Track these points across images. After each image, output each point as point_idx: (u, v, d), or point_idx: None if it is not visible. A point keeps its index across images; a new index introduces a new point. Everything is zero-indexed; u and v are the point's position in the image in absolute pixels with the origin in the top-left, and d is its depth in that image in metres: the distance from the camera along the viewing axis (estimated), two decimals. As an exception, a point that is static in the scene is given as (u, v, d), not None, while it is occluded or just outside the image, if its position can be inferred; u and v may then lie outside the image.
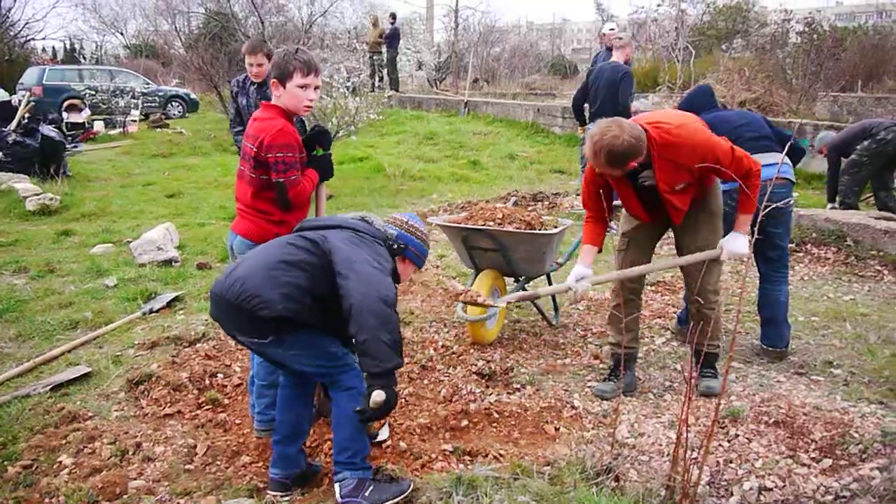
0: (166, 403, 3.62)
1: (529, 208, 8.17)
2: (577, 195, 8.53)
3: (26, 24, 34.16)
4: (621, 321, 3.84)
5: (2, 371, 4.10)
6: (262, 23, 14.71)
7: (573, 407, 3.65)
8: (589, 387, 3.88)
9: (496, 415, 3.57)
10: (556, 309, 4.88)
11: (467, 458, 3.20)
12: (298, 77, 3.01)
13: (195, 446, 3.22)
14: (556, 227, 4.44)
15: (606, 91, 7.14)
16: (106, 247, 6.66)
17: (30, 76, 19.41)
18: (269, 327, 2.62)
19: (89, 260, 6.21)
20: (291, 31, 15.91)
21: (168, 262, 6.06)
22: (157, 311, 4.99)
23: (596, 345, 4.52)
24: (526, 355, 4.30)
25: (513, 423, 3.53)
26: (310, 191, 3.17)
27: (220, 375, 3.98)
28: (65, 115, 16.23)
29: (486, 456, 3.20)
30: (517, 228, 4.18)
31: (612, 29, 9.11)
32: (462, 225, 4.25)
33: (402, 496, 2.69)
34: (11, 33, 32.96)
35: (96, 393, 3.77)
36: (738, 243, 3.53)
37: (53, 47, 46.30)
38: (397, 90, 17.85)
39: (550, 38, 55.81)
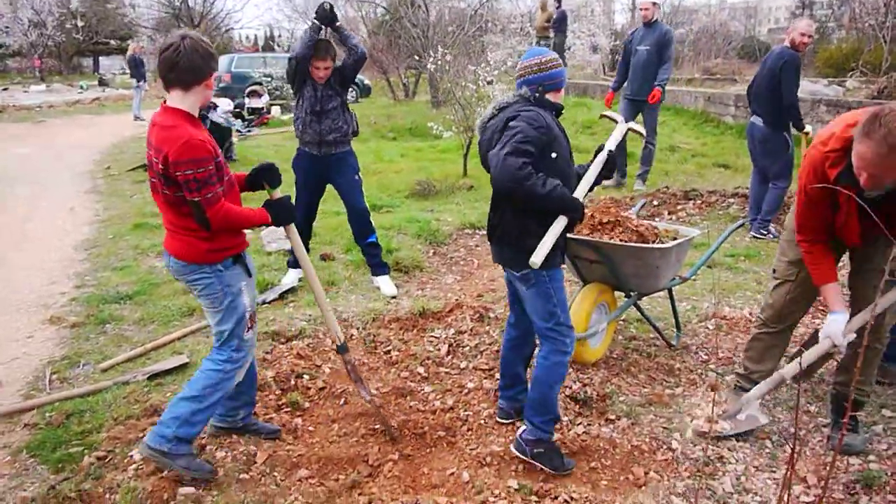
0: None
1: (679, 207, 7.53)
2: (735, 195, 7.73)
3: (227, 14, 37.19)
4: (762, 349, 3.34)
5: (118, 353, 4.31)
6: (427, 9, 14.77)
7: (670, 449, 3.20)
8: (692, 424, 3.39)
9: (580, 448, 3.20)
10: (677, 326, 4.36)
11: (534, 498, 2.88)
12: (210, 75, 2.76)
13: (255, 454, 3.15)
14: (675, 238, 3.94)
15: (766, 81, 6.28)
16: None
17: (221, 64, 20.96)
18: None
19: (225, 245, 6.45)
20: (457, 16, 15.89)
21: (294, 251, 6.15)
22: (270, 302, 5.05)
23: (718, 373, 3.98)
24: (631, 380, 3.86)
25: (597, 460, 3.15)
26: (241, 218, 2.83)
27: (307, 377, 3.91)
28: (247, 100, 17.31)
29: (556, 499, 2.87)
30: (625, 240, 3.74)
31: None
32: (561, 234, 3.86)
33: (559, 471, 3.03)
34: (214, 24, 36.01)
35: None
36: None
37: (255, 35, 50.02)
38: (563, 75, 17.30)
39: (745, 17, 52.06)
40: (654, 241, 3.81)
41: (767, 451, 3.20)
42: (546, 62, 3.03)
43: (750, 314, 4.77)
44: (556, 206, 2.89)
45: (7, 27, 38.87)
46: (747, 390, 3.33)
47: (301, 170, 5.27)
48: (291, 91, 5.16)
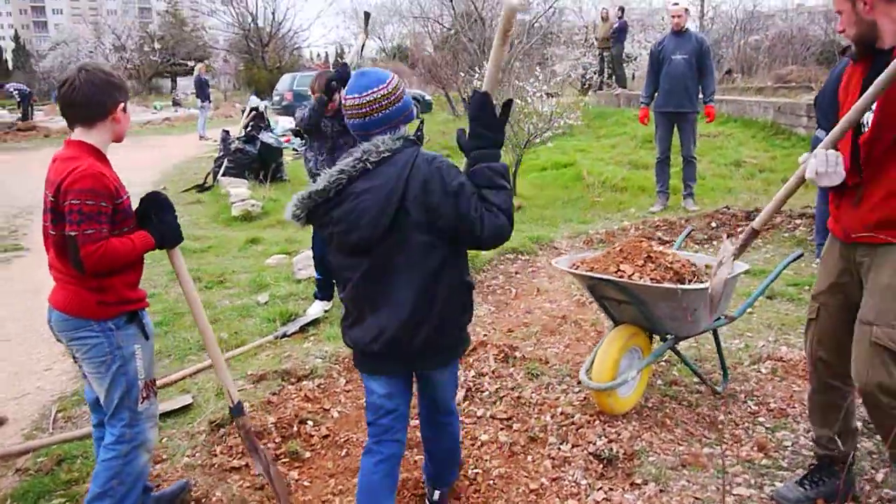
0: (238, 454, 3.36)
1: (739, 229, 6.98)
2: (803, 215, 7.12)
3: (295, 33, 37.93)
4: (817, 410, 2.90)
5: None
6: (483, 23, 14.51)
7: (702, 524, 2.78)
8: (735, 495, 2.95)
9: (597, 521, 2.82)
10: (724, 371, 3.91)
11: (537, 581, 2.52)
12: (116, 107, 2.49)
13: (237, 516, 2.90)
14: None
15: (831, 89, 5.63)
16: (280, 258, 6.76)
17: (283, 83, 21.30)
18: None
19: (258, 272, 6.30)
20: (519, 29, 15.62)
21: (326, 278, 5.94)
22: (290, 335, 4.83)
23: (768, 428, 3.52)
24: (666, 435, 3.44)
25: (617, 534, 2.76)
26: (124, 253, 2.45)
27: (311, 423, 3.64)
28: (306, 118, 17.40)
29: (562, 583, 2.50)
30: (657, 279, 3.33)
31: (676, 3, 7.62)
32: (582, 272, 3.48)
33: None
34: (282, 43, 36.80)
35: (184, 430, 3.62)
36: None
37: (326, 53, 50.91)
38: (625, 87, 16.76)
39: (825, 20, 49.78)
40: (691, 280, 3.40)
41: (817, 529, 2.75)
42: (399, 85, 2.35)
43: (811, 355, 4.26)
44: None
45: (91, 52, 40.79)
46: (822, 457, 2.89)
47: None
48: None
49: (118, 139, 2.58)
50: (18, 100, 24.56)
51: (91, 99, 2.41)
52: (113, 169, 2.53)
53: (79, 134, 2.48)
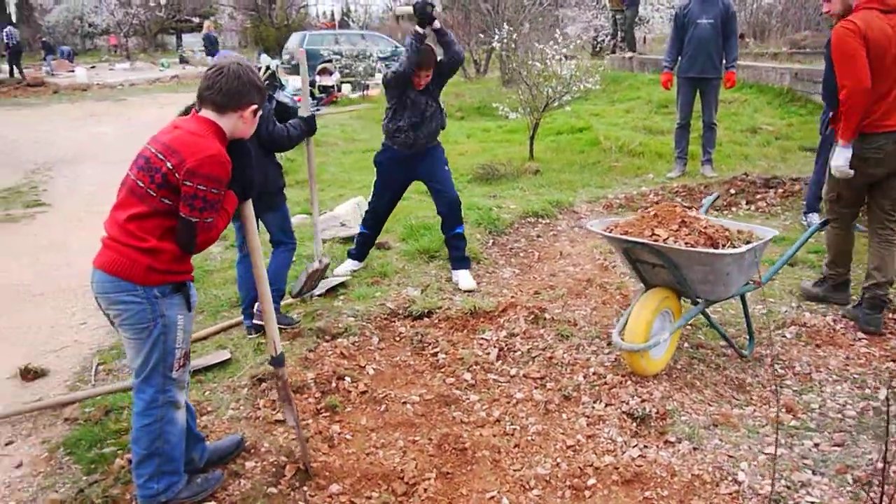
0: (281, 407, 3.46)
1: (758, 196, 7.02)
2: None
3: (302, -10, 37.41)
4: None
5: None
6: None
7: (736, 481, 2.87)
8: (766, 454, 3.05)
9: (633, 475, 2.92)
10: (750, 335, 3.99)
11: (579, 531, 2.64)
12: (248, 107, 2.55)
13: (286, 466, 3.00)
14: (748, 241, 3.56)
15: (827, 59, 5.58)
16: (302, 217, 6.80)
17: (293, 41, 21.09)
18: None
19: (282, 231, 6.35)
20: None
21: (350, 239, 6.00)
22: (319, 295, 4.91)
23: (795, 391, 3.61)
24: (696, 396, 3.53)
25: (653, 489, 2.86)
26: (222, 230, 2.58)
27: (348, 379, 3.74)
28: (317, 78, 17.31)
29: (604, 533, 2.61)
30: (692, 244, 3.39)
31: None
32: (619, 236, 3.54)
33: None
34: (290, 1, 36.33)
35: (225, 384, 3.73)
36: None
37: (332, 11, 50.26)
38: (634, 50, 16.59)
39: (839, -16, 48.89)
40: (724, 245, 3.46)
41: (849, 489, 2.85)
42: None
43: (833, 321, 4.35)
44: None
45: (96, 7, 40.30)
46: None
47: (386, 168, 5.15)
48: (386, 98, 5.03)
49: (238, 136, 2.62)
50: (6, 42, 24.90)
51: (231, 89, 2.49)
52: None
53: (208, 114, 2.54)
